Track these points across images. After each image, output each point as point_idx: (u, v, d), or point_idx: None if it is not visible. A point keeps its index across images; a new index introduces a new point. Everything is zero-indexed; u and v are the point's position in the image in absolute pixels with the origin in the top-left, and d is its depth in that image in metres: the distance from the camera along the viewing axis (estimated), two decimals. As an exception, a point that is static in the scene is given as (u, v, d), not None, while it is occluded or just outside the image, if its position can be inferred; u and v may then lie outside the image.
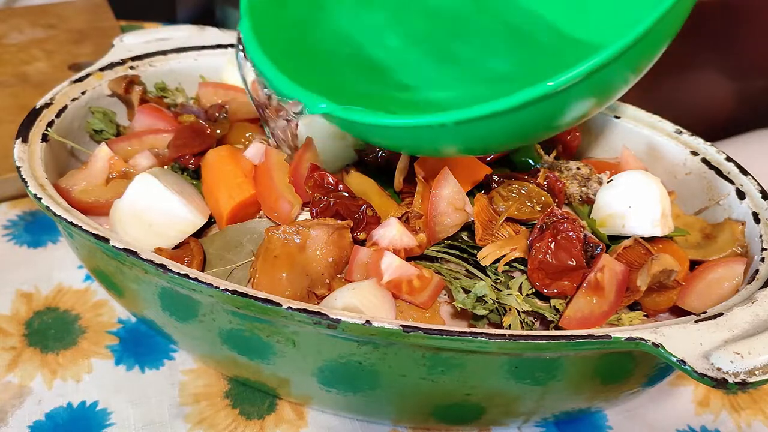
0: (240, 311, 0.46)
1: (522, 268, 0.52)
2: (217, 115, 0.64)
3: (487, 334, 0.42)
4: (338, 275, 0.52)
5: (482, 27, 0.61)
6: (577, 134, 0.62)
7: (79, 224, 0.49)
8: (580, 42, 0.58)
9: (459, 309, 0.49)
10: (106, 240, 0.48)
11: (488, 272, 0.52)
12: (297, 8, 0.58)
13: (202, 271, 0.53)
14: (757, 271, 0.51)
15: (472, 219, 0.53)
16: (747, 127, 1.07)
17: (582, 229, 0.51)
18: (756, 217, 0.56)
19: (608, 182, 0.56)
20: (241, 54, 0.54)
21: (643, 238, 0.53)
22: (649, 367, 0.48)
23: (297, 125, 0.55)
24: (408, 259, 0.51)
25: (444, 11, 0.62)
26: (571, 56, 0.53)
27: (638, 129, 0.66)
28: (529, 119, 0.42)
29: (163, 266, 0.46)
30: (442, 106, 0.49)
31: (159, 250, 0.53)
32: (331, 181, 0.54)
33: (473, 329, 0.43)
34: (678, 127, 0.65)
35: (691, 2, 0.43)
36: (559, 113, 0.44)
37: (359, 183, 0.57)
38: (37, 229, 0.74)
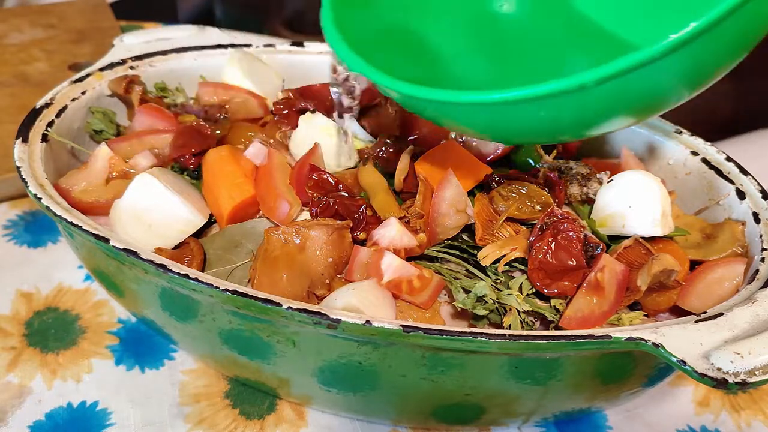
0: (240, 311, 0.46)
1: (522, 268, 0.52)
2: (217, 115, 0.64)
3: (487, 334, 0.42)
4: (338, 275, 0.52)
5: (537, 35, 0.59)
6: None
7: (79, 224, 0.49)
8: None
9: (459, 309, 0.49)
10: (106, 240, 0.48)
11: (488, 272, 0.52)
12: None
13: (202, 271, 0.53)
14: (757, 271, 0.51)
15: (473, 221, 0.53)
16: (747, 127, 1.07)
17: (582, 229, 0.51)
18: (756, 217, 0.56)
19: (608, 182, 0.56)
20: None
21: (643, 238, 0.53)
22: (649, 367, 0.48)
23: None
24: (408, 259, 0.51)
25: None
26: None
27: (638, 129, 0.66)
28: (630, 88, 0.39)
29: (163, 266, 0.46)
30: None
31: (159, 250, 0.53)
32: (331, 182, 0.54)
33: (473, 329, 0.43)
34: (678, 127, 0.65)
35: None
36: (653, 87, 0.40)
37: (370, 177, 0.56)
38: (37, 229, 0.74)
